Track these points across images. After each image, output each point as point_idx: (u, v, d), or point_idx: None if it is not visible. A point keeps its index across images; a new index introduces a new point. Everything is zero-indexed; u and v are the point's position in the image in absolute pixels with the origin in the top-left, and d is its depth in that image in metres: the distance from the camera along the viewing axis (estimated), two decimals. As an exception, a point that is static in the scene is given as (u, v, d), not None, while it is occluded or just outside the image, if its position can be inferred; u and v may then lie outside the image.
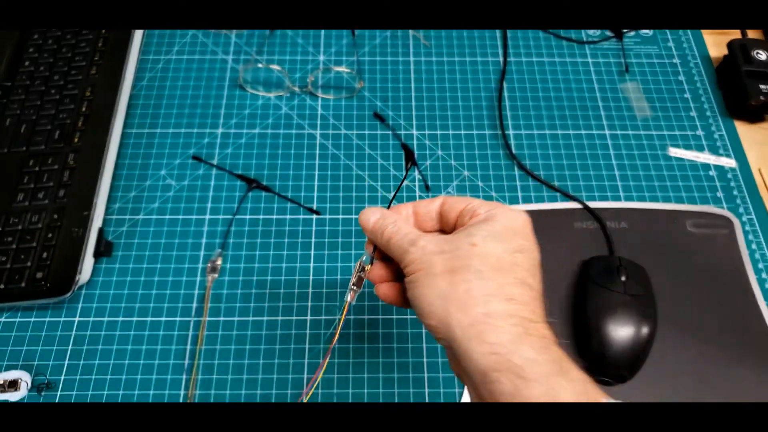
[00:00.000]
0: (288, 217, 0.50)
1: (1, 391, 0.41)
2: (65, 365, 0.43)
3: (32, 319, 0.45)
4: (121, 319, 0.45)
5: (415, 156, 0.49)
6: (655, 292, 0.44)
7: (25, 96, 0.53)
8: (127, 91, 0.54)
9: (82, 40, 0.56)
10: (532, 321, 0.28)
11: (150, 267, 0.47)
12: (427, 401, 0.42)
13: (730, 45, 0.57)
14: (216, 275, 0.47)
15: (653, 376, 0.43)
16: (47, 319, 0.45)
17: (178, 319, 0.45)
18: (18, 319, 0.45)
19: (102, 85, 0.53)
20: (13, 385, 0.41)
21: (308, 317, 0.45)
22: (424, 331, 0.45)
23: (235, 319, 0.45)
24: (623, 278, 0.44)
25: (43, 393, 0.42)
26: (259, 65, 0.57)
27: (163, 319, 0.45)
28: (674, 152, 0.54)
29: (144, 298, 0.46)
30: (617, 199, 0.51)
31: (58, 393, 0.42)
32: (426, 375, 0.43)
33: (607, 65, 0.59)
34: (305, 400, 0.40)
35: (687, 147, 0.54)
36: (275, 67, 0.57)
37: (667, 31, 0.62)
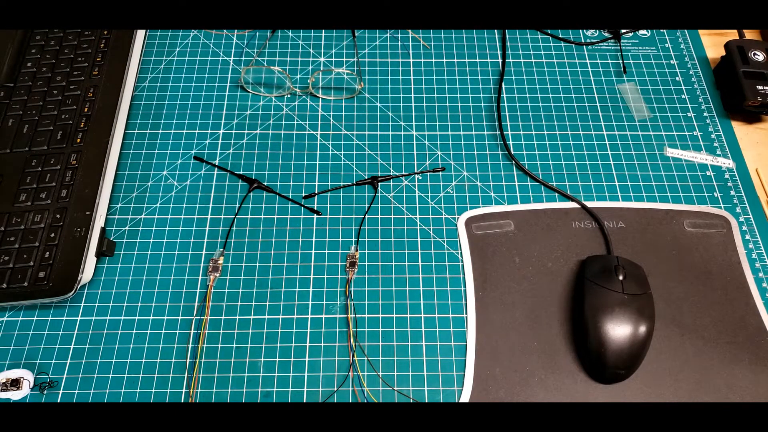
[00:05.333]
0: (289, 216, 0.50)
1: (4, 390, 0.41)
2: (67, 364, 0.43)
3: (35, 319, 0.45)
4: (123, 318, 0.45)
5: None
6: (652, 292, 0.45)
7: (27, 97, 0.53)
8: (129, 92, 0.54)
9: (84, 41, 0.56)
10: None
11: (152, 266, 0.47)
12: (426, 401, 0.42)
13: (728, 46, 0.58)
14: (217, 274, 0.47)
15: (651, 375, 0.43)
16: (49, 318, 0.45)
17: (179, 317, 0.45)
18: (20, 319, 0.45)
19: (104, 86, 0.53)
20: (16, 383, 0.42)
21: (309, 316, 0.45)
22: (423, 329, 0.45)
23: (237, 317, 0.45)
24: (621, 277, 0.44)
25: (45, 392, 0.42)
26: (261, 66, 0.58)
27: (165, 318, 0.45)
28: (672, 152, 0.54)
29: (146, 297, 0.46)
30: (615, 199, 0.51)
31: (60, 392, 0.42)
32: (425, 373, 0.43)
33: (605, 66, 0.59)
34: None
35: (684, 147, 0.54)
36: (276, 68, 0.57)
37: (665, 31, 0.62)
